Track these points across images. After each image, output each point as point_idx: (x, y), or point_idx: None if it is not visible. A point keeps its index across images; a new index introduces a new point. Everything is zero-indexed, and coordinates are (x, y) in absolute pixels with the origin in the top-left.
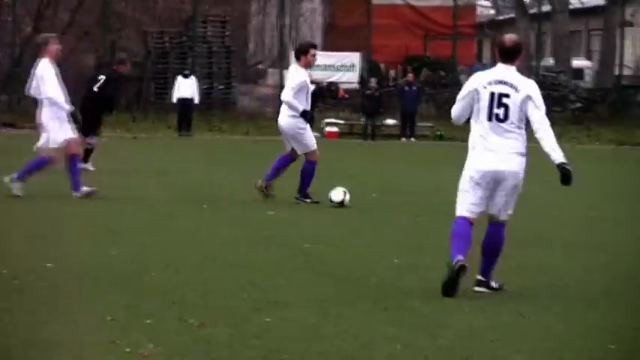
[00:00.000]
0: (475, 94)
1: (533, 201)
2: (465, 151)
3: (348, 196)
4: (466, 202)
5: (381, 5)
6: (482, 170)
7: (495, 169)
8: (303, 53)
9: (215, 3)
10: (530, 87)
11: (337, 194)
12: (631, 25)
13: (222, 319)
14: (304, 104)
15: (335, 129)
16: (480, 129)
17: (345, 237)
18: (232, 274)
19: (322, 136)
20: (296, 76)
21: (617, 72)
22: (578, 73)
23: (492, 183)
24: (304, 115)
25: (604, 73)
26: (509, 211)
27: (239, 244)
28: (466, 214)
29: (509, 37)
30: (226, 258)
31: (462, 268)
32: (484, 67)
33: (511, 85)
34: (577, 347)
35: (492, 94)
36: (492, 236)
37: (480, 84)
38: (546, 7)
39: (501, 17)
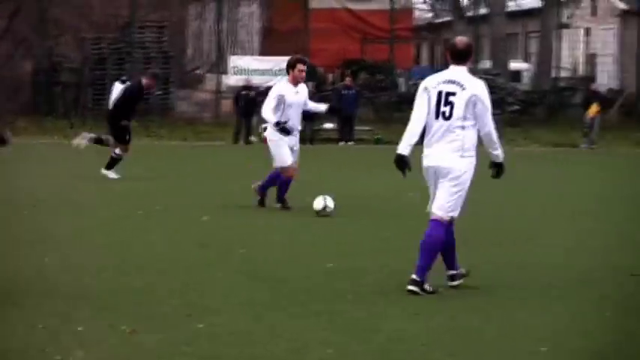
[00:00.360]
0: (427, 94)
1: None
2: None
3: (321, 202)
4: (430, 197)
5: (319, 9)
6: (425, 166)
7: (432, 164)
8: (291, 68)
9: (152, 9)
10: (477, 86)
11: (318, 202)
12: (567, 27)
13: (154, 325)
14: (280, 117)
15: None
16: (428, 126)
17: (280, 241)
18: (165, 280)
19: (261, 141)
20: (274, 89)
21: (554, 74)
22: (516, 75)
23: (433, 178)
24: (277, 125)
25: (541, 75)
26: (450, 212)
27: (173, 249)
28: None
29: (461, 40)
30: (159, 264)
31: (410, 292)
32: (422, 70)
33: (458, 84)
34: (508, 349)
35: (440, 92)
36: (429, 233)
37: (430, 84)
38: (483, 10)
39: (439, 20)
